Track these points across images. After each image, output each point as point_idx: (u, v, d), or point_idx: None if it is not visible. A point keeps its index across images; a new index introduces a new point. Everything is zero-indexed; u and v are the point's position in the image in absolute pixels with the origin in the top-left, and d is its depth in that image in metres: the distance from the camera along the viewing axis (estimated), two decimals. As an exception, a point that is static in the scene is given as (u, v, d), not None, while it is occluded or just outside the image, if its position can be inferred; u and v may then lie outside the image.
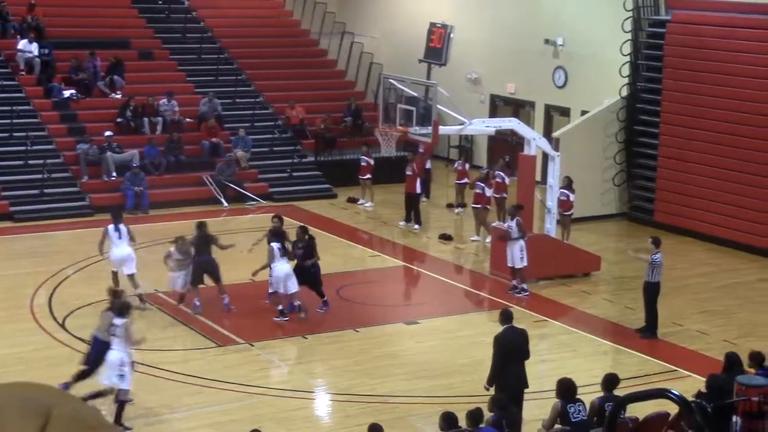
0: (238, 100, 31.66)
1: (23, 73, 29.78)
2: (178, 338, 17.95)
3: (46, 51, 30.22)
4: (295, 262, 19.03)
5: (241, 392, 15.53)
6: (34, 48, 29.99)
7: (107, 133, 28.17)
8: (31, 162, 27.09)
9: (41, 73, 29.87)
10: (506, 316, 13.93)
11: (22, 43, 29.92)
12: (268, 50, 34.08)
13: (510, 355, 13.53)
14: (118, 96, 30.09)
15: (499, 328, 13.81)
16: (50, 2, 32.36)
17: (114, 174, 27.48)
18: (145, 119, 29.46)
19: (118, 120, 29.22)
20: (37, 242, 23.99)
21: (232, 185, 28.15)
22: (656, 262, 18.21)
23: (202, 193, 27.92)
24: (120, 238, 19.39)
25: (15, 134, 27.75)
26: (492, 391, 13.27)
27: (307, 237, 19.32)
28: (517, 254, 20.43)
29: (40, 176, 26.67)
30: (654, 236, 19.01)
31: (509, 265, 20.70)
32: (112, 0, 33.73)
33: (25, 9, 31.21)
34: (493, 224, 23.78)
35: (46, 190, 26.51)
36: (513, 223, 20.40)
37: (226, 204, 27.85)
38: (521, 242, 20.36)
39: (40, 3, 31.62)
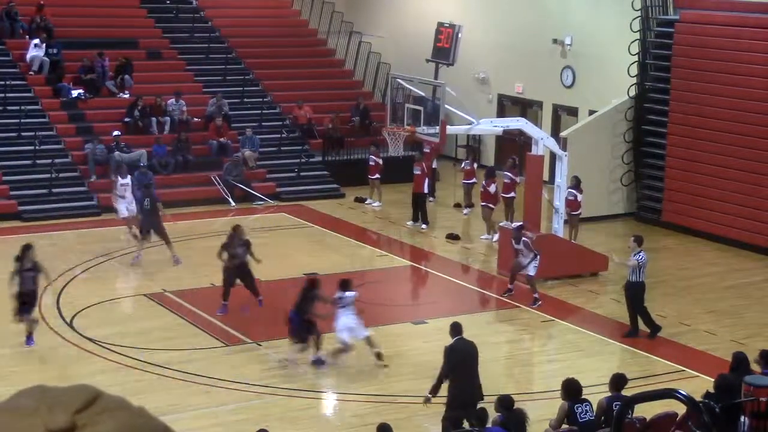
0: (245, 100, 31.69)
1: (32, 73, 29.84)
2: (186, 338, 17.96)
3: (55, 51, 30.27)
4: (236, 260, 18.92)
5: (249, 392, 15.55)
6: (43, 48, 30.04)
7: (115, 133, 28.21)
8: (39, 162, 27.14)
9: (50, 73, 29.92)
10: (456, 329, 13.90)
11: (29, 43, 29.95)
12: (276, 50, 34.10)
13: (461, 366, 13.50)
14: (127, 96, 30.14)
15: (448, 340, 13.94)
16: (59, 2, 32.41)
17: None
18: (153, 119, 29.50)
19: (126, 120, 29.26)
20: (44, 242, 23.96)
21: (239, 185, 28.17)
22: (642, 261, 18.00)
23: (209, 193, 27.94)
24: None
25: (23, 134, 27.80)
26: (443, 400, 13.35)
27: (245, 238, 19.39)
28: (530, 266, 19.85)
29: (48, 176, 26.71)
30: (636, 234, 18.84)
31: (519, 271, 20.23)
32: (121, 0, 33.77)
33: (34, 9, 31.27)
34: (501, 224, 23.77)
35: (54, 190, 26.55)
36: (521, 246, 19.77)
37: (233, 204, 27.87)
38: (536, 260, 19.70)
39: (48, 3, 31.68)
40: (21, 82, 29.56)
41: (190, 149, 28.89)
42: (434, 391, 13.55)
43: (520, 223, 20.76)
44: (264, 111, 31.53)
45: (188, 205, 27.00)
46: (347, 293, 16.68)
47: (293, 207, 27.81)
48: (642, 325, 18.39)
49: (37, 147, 27.39)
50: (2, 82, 28.93)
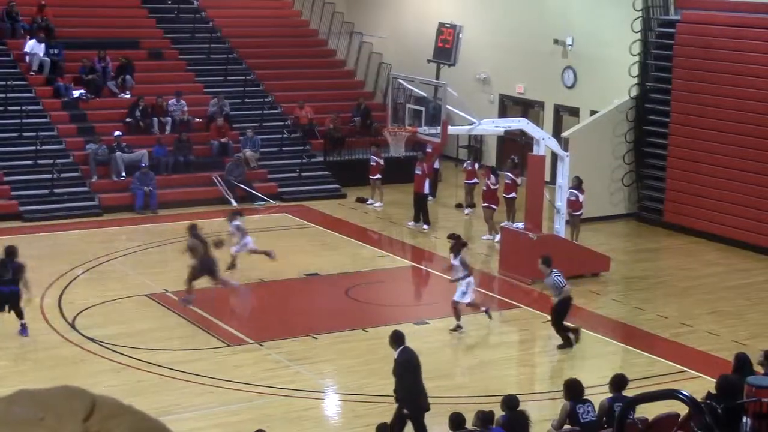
0: (247, 100, 31.69)
1: (33, 73, 29.84)
2: (187, 338, 17.97)
3: (56, 51, 30.28)
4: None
5: (251, 392, 15.54)
6: (43, 48, 30.05)
7: (116, 133, 28.22)
8: (40, 162, 27.14)
9: (51, 73, 29.93)
10: (399, 338, 13.83)
11: (31, 44, 29.97)
12: (277, 50, 34.10)
13: (417, 373, 13.50)
14: (128, 96, 30.14)
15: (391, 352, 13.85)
16: (60, 2, 32.41)
17: (123, 174, 27.52)
18: (155, 119, 29.51)
19: (128, 120, 29.27)
20: (46, 242, 24.02)
21: (241, 185, 28.17)
22: (558, 280, 17.36)
23: (211, 193, 27.93)
24: None
25: (24, 134, 27.81)
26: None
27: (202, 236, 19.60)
28: (460, 290, 18.35)
29: (49, 176, 26.71)
30: (543, 255, 18.01)
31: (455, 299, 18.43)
32: (122, 0, 33.78)
33: (35, 9, 31.27)
34: (503, 224, 23.77)
35: (55, 190, 26.55)
36: (456, 262, 18.52)
37: (235, 204, 27.82)
38: (469, 279, 18.41)
39: (50, 3, 31.68)
40: (22, 82, 29.56)
41: (191, 149, 28.89)
42: (410, 404, 13.50)
43: (464, 241, 19.52)
44: (265, 111, 31.53)
45: (189, 206, 26.97)
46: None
47: (295, 207, 27.81)
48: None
49: (38, 147, 27.40)
50: (3, 83, 28.94)
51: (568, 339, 17.49)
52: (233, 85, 31.92)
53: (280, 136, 30.79)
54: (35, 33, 30.41)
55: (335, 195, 29.23)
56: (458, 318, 18.24)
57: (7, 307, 17.43)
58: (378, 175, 28.38)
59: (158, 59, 32.19)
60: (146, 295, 20.10)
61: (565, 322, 17.60)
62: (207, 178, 28.29)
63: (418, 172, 26.30)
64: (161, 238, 24.36)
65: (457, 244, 18.77)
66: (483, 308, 18.66)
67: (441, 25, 30.67)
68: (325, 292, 21.14)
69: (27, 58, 29.93)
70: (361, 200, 28.63)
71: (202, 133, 29.80)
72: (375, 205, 28.35)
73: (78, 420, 1.94)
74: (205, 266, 19.33)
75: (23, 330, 17.57)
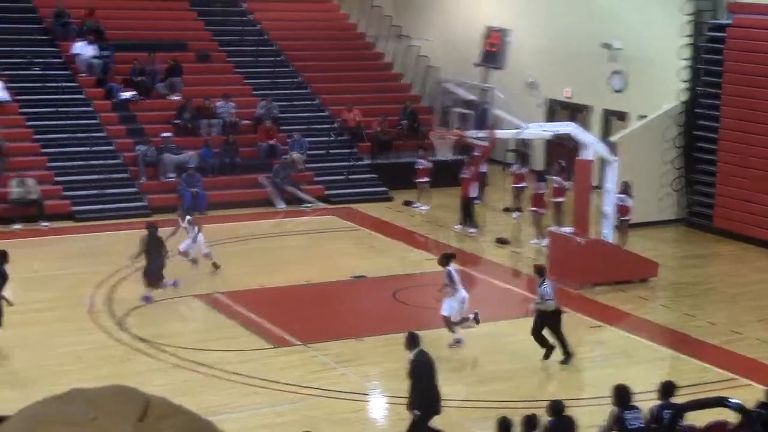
0: (294, 103, 31.81)
1: (83, 75, 30.15)
2: (234, 339, 18.04)
3: (107, 53, 30.58)
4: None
5: (297, 393, 15.59)
6: (93, 50, 30.36)
7: (165, 135, 28.44)
8: (91, 163, 27.43)
9: (101, 75, 30.22)
10: (415, 340, 13.80)
11: (80, 46, 30.29)
12: (325, 53, 34.19)
13: (432, 376, 13.48)
14: (176, 98, 30.37)
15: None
16: (110, 5, 32.73)
17: (171, 175, 27.73)
18: (203, 121, 29.70)
19: (176, 122, 29.49)
20: (96, 242, 24.26)
21: (288, 187, 28.26)
22: (546, 291, 16.96)
23: (258, 195, 28.06)
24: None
25: (76, 135, 28.11)
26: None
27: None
28: (455, 305, 17.64)
29: (100, 177, 26.99)
30: (537, 264, 17.75)
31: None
32: (171, 3, 34.05)
33: (85, 12, 31.60)
34: (551, 228, 23.67)
35: (105, 191, 26.80)
36: (452, 270, 17.80)
37: (282, 206, 27.96)
38: (461, 294, 17.71)
39: (100, 6, 32.00)
40: (73, 84, 29.89)
41: (238, 152, 29.04)
42: (421, 407, 13.46)
43: (453, 253, 18.79)
44: (313, 114, 31.62)
45: (236, 207, 27.13)
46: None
47: (341, 210, 27.86)
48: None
49: (89, 148, 27.69)
50: (55, 84, 29.30)
51: (551, 348, 16.92)
52: (281, 87, 32.05)
53: (328, 138, 30.87)
54: (85, 35, 30.73)
55: (382, 198, 29.25)
56: (452, 330, 17.62)
57: None
58: (425, 179, 28.37)
59: (206, 62, 32.39)
60: (194, 296, 20.22)
61: (544, 334, 17.05)
62: (254, 180, 28.42)
63: (465, 175, 26.25)
64: (209, 239, 24.47)
65: (444, 256, 18.08)
66: (470, 315, 17.90)
67: (489, 28, 30.60)
68: (372, 294, 21.16)
69: (77, 60, 30.25)
70: (408, 203, 28.62)
71: (249, 135, 29.94)
72: (422, 208, 28.33)
73: (131, 420, 1.94)
74: (153, 268, 19.51)
75: None
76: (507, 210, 28.00)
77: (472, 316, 17.83)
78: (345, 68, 34.05)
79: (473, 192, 26.32)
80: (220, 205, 27.13)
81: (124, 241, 24.23)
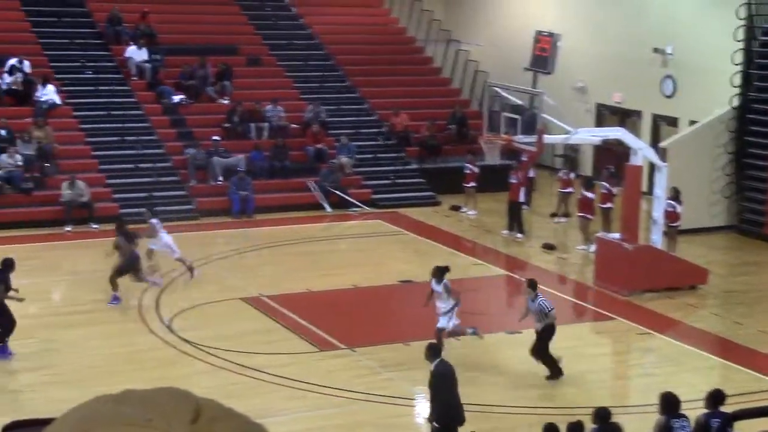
0: (343, 107, 31.88)
1: (135, 78, 30.44)
2: (281, 342, 18.11)
3: (158, 57, 30.86)
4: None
5: (342, 397, 15.61)
6: (145, 54, 30.66)
7: (214, 138, 28.62)
8: (141, 166, 27.67)
9: (152, 78, 30.50)
10: (436, 350, 13.71)
11: (132, 50, 30.59)
12: (374, 57, 34.24)
13: (453, 386, 13.37)
14: (226, 101, 30.56)
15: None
16: (163, 9, 33.02)
17: (220, 178, 27.90)
18: (252, 125, 29.86)
19: (226, 125, 29.67)
20: (145, 244, 24.41)
21: (335, 191, 28.33)
22: (544, 305, 16.36)
23: (306, 199, 28.15)
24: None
25: (126, 138, 28.39)
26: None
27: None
28: (445, 316, 17.14)
29: (149, 179, 27.22)
30: (529, 279, 17.28)
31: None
32: (222, 7, 34.28)
33: (138, 16, 31.91)
34: (598, 234, 23.52)
35: (154, 194, 27.02)
36: (439, 288, 17.25)
37: (329, 210, 28.03)
38: (451, 304, 17.15)
39: (152, 10, 32.30)
40: (124, 87, 30.19)
41: (288, 155, 29.17)
42: (441, 418, 13.38)
43: (446, 266, 17.90)
44: (361, 118, 31.69)
45: (285, 211, 27.26)
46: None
47: (388, 214, 27.87)
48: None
49: (139, 151, 27.94)
50: (107, 88, 29.62)
51: (558, 368, 16.40)
52: (330, 91, 32.14)
53: (376, 142, 30.91)
54: (137, 39, 31.02)
55: (429, 202, 29.23)
56: (440, 343, 16.70)
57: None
58: (473, 183, 28.31)
59: (256, 65, 32.57)
60: (241, 299, 20.33)
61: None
62: (302, 183, 28.52)
63: (513, 180, 26.16)
64: (257, 242, 24.64)
65: (438, 269, 17.54)
66: (469, 330, 17.53)
67: (538, 33, 30.47)
68: (418, 299, 21.12)
69: (129, 63, 30.55)
70: (456, 208, 28.58)
71: (298, 139, 30.06)
72: (469, 213, 28.28)
73: (185, 422, 1.95)
74: (130, 264, 19.66)
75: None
76: (554, 215, 27.87)
77: (470, 330, 17.44)
78: (394, 72, 34.07)
79: (521, 197, 26.23)
80: (269, 209, 27.27)
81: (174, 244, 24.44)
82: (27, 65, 29.10)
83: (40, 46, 30.60)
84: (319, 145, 29.64)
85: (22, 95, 28.67)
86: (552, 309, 16.40)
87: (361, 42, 34.88)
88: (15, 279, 18.28)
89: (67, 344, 17.83)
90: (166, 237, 21.40)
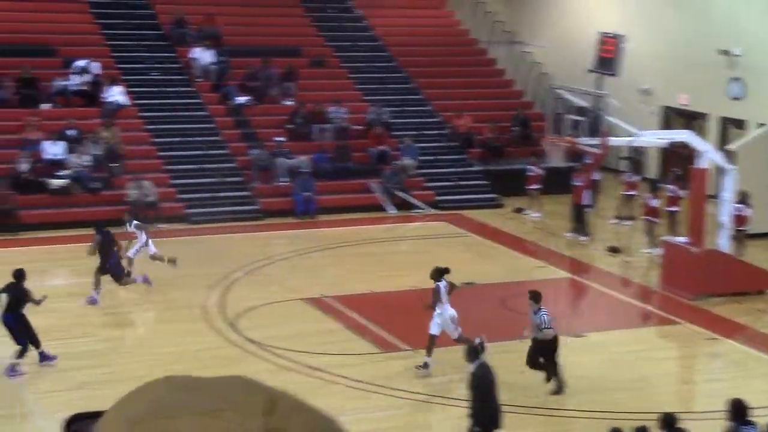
0: (406, 108, 31.88)
1: (200, 80, 30.71)
2: (343, 343, 18.13)
3: (223, 59, 31.10)
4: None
5: (404, 399, 15.58)
6: (210, 56, 30.92)
7: (278, 139, 28.77)
8: (206, 166, 27.90)
9: (217, 80, 30.74)
10: (475, 352, 13.50)
11: (198, 51, 30.87)
12: (437, 59, 34.19)
13: (492, 388, 13.24)
14: (290, 103, 30.69)
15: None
16: (227, 11, 33.27)
17: (284, 179, 28.02)
18: (315, 126, 29.96)
19: (289, 126, 29.81)
20: (209, 244, 24.64)
21: (398, 193, 28.32)
22: (544, 319, 15.85)
23: (368, 200, 28.19)
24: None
25: (192, 139, 28.63)
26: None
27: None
28: (434, 321, 16.62)
29: (214, 180, 27.43)
30: (532, 290, 16.53)
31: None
32: (287, 9, 34.46)
33: (203, 18, 32.18)
34: (665, 238, 23.26)
35: (219, 194, 27.22)
36: (441, 285, 16.71)
37: (392, 211, 28.03)
38: (448, 312, 16.68)
39: (218, 12, 32.57)
40: (190, 88, 30.46)
41: (350, 156, 29.23)
42: (482, 422, 13.25)
43: (446, 267, 17.16)
44: (424, 120, 31.66)
45: (347, 212, 27.31)
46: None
47: (451, 216, 27.81)
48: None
49: (204, 152, 28.17)
50: (172, 89, 29.91)
51: (559, 382, 15.81)
52: (393, 93, 32.16)
53: (439, 144, 30.86)
54: (203, 41, 31.29)
55: (492, 204, 29.12)
56: (429, 353, 16.45)
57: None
58: (536, 185, 28.15)
59: (320, 67, 32.68)
60: (303, 299, 20.39)
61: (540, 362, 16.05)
62: (365, 185, 28.56)
63: (577, 182, 25.97)
64: (320, 243, 24.71)
65: (437, 270, 17.02)
66: (477, 339, 17.40)
67: (603, 34, 30.18)
68: (480, 301, 21.05)
69: (194, 65, 30.83)
70: (519, 210, 28.44)
71: (361, 140, 30.11)
72: (532, 215, 28.12)
73: (258, 414, 1.90)
74: (109, 265, 19.58)
75: (11, 371, 16.13)
76: (618, 218, 27.61)
77: (478, 340, 17.06)
78: (457, 74, 34.01)
79: (585, 199, 26.02)
80: (331, 210, 27.34)
81: (237, 244, 24.62)
82: (95, 67, 29.49)
83: (107, 48, 31.00)
84: (381, 147, 29.67)
85: (90, 96, 29.08)
86: (548, 326, 15.75)
87: (424, 44, 34.85)
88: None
89: (129, 342, 18.02)
90: (150, 244, 21.09)
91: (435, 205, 28.73)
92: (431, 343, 16.47)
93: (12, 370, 16.00)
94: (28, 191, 25.73)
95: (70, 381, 15.87)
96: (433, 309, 16.53)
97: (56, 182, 26.17)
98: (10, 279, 16.40)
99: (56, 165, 26.63)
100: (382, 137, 29.92)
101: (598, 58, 30.32)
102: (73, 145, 27.05)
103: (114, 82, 29.24)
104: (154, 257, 21.09)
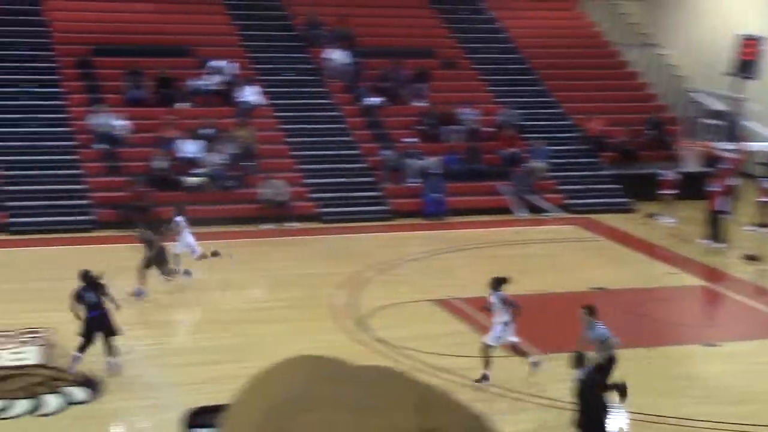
0: (537, 111, 31.65)
1: (333, 80, 31.02)
2: (471, 345, 18.05)
3: (357, 59, 31.36)
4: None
5: (535, 402, 15.46)
6: (343, 56, 31.22)
7: (409, 140, 28.87)
8: (338, 166, 28.18)
9: (350, 80, 31.02)
10: (581, 360, 13.12)
11: (331, 52, 31.21)
12: (570, 61, 33.85)
13: (598, 397, 12.98)
14: (421, 104, 30.77)
15: None
16: (360, 13, 33.54)
17: (414, 180, 28.10)
18: (446, 127, 29.96)
19: (420, 127, 29.89)
20: (340, 243, 24.88)
21: (528, 195, 28.13)
22: (604, 333, 14.68)
23: (498, 202, 28.08)
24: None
25: (324, 139, 28.96)
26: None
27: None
28: (494, 332, 16.05)
29: (345, 180, 27.68)
30: (587, 304, 15.38)
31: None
32: (419, 11, 34.56)
33: (336, 19, 32.51)
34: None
35: (350, 194, 27.45)
36: (494, 299, 16.21)
37: (522, 214, 27.86)
38: (506, 318, 16.04)
39: (351, 13, 32.86)
40: (322, 89, 30.81)
41: (481, 158, 29.16)
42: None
43: (504, 277, 16.62)
44: (555, 122, 31.38)
45: (477, 214, 27.25)
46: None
47: (582, 219, 27.50)
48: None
49: (336, 152, 28.46)
50: (306, 89, 30.31)
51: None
52: (524, 94, 31.97)
53: (570, 147, 30.55)
54: (336, 42, 31.62)
55: (624, 209, 28.69)
56: (486, 365, 15.90)
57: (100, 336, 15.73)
58: (670, 190, 27.62)
59: (451, 68, 32.68)
60: (432, 300, 20.40)
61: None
62: (495, 187, 28.45)
63: (713, 188, 25.38)
64: (449, 244, 24.71)
65: (496, 279, 16.49)
66: (531, 359, 16.29)
67: (742, 36, 29.47)
68: (611, 307, 20.74)
69: (327, 65, 31.17)
70: (652, 215, 27.94)
71: (491, 142, 30.00)
72: (666, 220, 27.59)
73: (409, 411, 1.81)
74: (157, 256, 19.57)
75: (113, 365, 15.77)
76: (755, 225, 26.88)
77: (533, 360, 16.14)
78: (589, 76, 33.62)
79: (722, 206, 25.41)
80: (461, 211, 27.31)
81: (368, 244, 24.80)
82: (231, 67, 30.08)
83: (243, 49, 31.57)
84: (512, 149, 29.51)
85: (226, 96, 29.67)
86: (613, 338, 14.68)
87: (556, 45, 34.54)
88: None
89: (260, 341, 18.29)
90: (189, 237, 21.16)
91: (565, 208, 28.45)
92: (485, 352, 15.97)
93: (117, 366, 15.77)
94: (164, 188, 26.38)
95: (206, 374, 16.19)
96: (490, 315, 16.05)
97: (192, 180, 26.77)
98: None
99: (192, 163, 27.24)
100: (512, 139, 29.77)
101: (736, 61, 29.65)
102: (209, 143, 27.63)
103: (249, 82, 29.77)
104: (199, 256, 21.21)
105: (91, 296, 15.64)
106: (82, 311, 15.65)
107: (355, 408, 1.91)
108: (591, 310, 14.96)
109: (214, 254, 21.13)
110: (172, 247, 20.74)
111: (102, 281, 16.07)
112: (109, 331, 15.65)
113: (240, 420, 1.89)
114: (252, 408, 1.94)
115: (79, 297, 15.69)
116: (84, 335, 15.53)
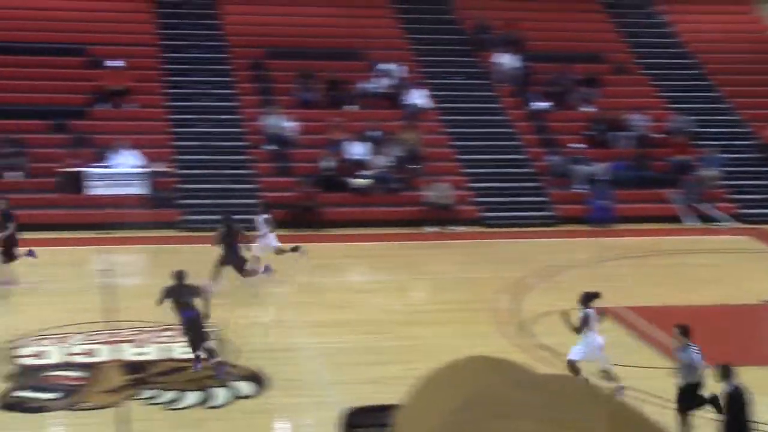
0: (711, 118, 30.80)
1: (501, 84, 30.92)
2: (637, 354, 17.73)
3: (524, 64, 31.18)
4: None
5: (698, 416, 15.03)
6: (513, 60, 31.09)
7: (577, 146, 28.52)
8: (503, 171, 28.06)
9: (519, 85, 30.86)
10: (728, 372, 12.32)
11: (501, 56, 31.11)
12: (749, 67, 32.81)
13: (744, 411, 12.18)
14: (589, 109, 30.36)
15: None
16: (529, 17, 33.33)
17: (582, 186, 27.74)
18: (615, 133, 29.48)
19: (589, 133, 29.49)
20: (503, 248, 24.76)
21: (698, 204, 27.41)
22: (695, 358, 13.55)
23: (667, 210, 27.47)
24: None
25: (490, 143, 28.88)
26: None
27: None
28: (588, 351, 15.35)
29: (511, 185, 27.54)
30: (680, 324, 14.08)
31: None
32: (589, 15, 34.11)
33: (505, 23, 32.39)
34: None
35: (515, 198, 27.30)
36: (582, 314, 15.41)
37: (692, 223, 27.17)
38: (596, 340, 15.34)
39: (520, 18, 32.69)
40: (490, 93, 30.73)
41: (650, 165, 28.57)
42: None
43: (595, 292, 15.72)
44: (730, 130, 30.47)
45: (645, 222, 26.74)
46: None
47: (756, 230, 26.62)
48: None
49: (502, 156, 28.36)
50: (474, 93, 30.31)
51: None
52: (697, 101, 31.17)
53: (745, 155, 29.63)
54: (504, 46, 31.51)
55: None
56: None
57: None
58: None
59: (622, 74, 32.12)
60: (596, 308, 20.04)
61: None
62: (664, 195, 27.83)
63: None
64: (616, 252, 24.29)
65: (586, 295, 15.61)
66: (616, 386, 15.30)
67: None
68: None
69: (496, 69, 31.10)
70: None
71: (661, 149, 29.37)
72: None
73: (602, 427, 1.76)
74: (230, 256, 19.35)
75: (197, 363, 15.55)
76: None
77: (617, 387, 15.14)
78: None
79: None
80: (629, 219, 26.83)
81: (532, 249, 24.60)
82: (399, 70, 30.33)
83: (411, 53, 31.77)
84: (683, 157, 28.81)
85: (394, 99, 29.92)
86: (703, 365, 13.63)
87: (732, 50, 33.55)
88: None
89: (422, 341, 18.32)
90: (272, 238, 21.01)
91: (738, 218, 27.59)
92: (572, 369, 15.32)
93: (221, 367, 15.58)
94: (331, 189, 26.76)
95: (368, 374, 16.34)
96: (579, 334, 15.36)
97: (359, 182, 27.09)
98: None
99: (359, 165, 27.56)
100: (683, 146, 29.06)
101: None
102: (376, 146, 27.90)
103: (416, 85, 29.95)
104: (278, 251, 21.16)
105: (187, 296, 15.51)
106: (177, 311, 15.49)
107: (548, 419, 1.88)
108: (685, 330, 14.05)
109: (294, 249, 21.28)
110: (255, 246, 20.82)
111: (195, 284, 15.98)
112: (199, 335, 15.41)
113: (416, 421, 1.88)
114: (429, 409, 1.93)
115: (177, 295, 15.50)
116: (188, 335, 15.38)
